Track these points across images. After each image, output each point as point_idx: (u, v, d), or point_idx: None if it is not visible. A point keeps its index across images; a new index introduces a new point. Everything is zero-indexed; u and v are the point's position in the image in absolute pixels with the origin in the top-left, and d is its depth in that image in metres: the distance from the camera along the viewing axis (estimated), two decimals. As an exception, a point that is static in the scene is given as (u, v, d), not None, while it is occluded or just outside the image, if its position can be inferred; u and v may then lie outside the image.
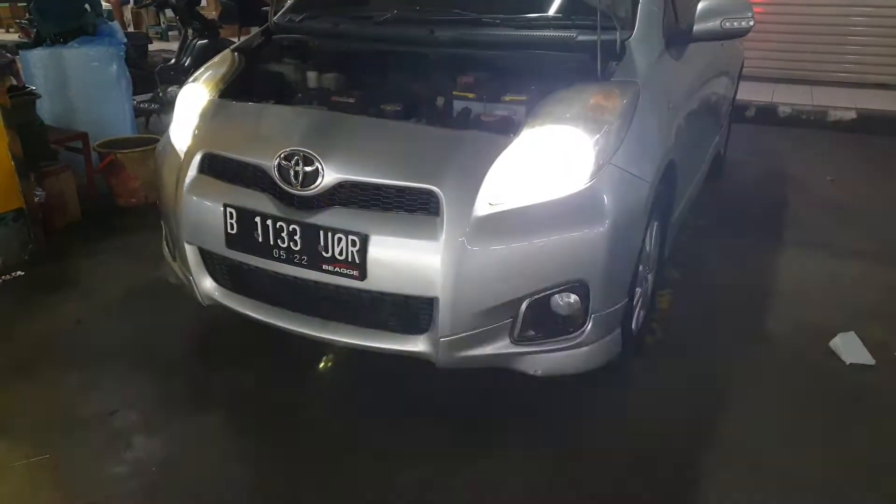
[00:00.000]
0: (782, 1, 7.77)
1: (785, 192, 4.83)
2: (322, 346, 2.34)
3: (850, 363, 2.73)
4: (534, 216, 2.13)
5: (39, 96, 4.05)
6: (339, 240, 2.15)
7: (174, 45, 8.63)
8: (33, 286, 3.33)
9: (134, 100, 5.69)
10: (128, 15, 13.95)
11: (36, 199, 3.64)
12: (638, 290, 2.59)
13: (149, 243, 3.32)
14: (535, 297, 2.17)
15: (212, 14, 10.12)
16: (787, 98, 6.92)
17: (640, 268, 2.55)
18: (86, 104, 4.69)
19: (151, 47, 9.54)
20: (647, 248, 2.63)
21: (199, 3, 7.02)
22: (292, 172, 2.22)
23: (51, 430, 2.34)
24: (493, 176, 2.14)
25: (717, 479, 2.16)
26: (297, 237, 2.22)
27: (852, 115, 6.45)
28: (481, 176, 2.14)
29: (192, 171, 2.48)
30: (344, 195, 2.21)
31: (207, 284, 2.56)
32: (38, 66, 4.62)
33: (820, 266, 3.65)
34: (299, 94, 2.78)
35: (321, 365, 2.67)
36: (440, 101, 2.56)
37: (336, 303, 2.31)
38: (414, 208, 2.16)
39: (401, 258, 2.13)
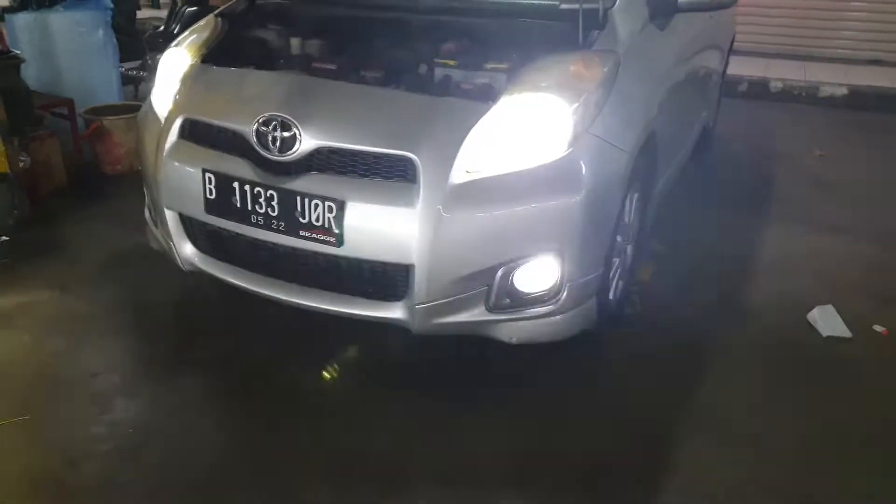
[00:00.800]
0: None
1: (773, 167, 4.83)
2: (303, 312, 2.34)
3: (827, 336, 2.75)
4: (510, 184, 2.14)
5: (24, 60, 4.01)
6: (316, 206, 2.16)
7: (165, 13, 8.53)
8: (18, 251, 3.32)
9: (122, 67, 5.65)
10: (121, -19, 13.82)
11: (21, 165, 3.64)
12: (616, 260, 2.61)
13: (134, 210, 3.29)
14: (511, 265, 2.19)
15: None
16: (781, 73, 6.89)
17: (619, 238, 2.56)
18: (72, 70, 4.65)
19: (143, 14, 9.46)
20: (627, 220, 2.64)
21: (189, -31, 6.94)
22: (270, 138, 2.22)
23: (32, 392, 2.37)
24: (470, 143, 2.14)
25: (686, 446, 2.19)
26: (274, 203, 2.23)
27: (844, 90, 6.44)
28: (458, 143, 2.14)
29: (173, 136, 2.48)
30: (321, 161, 2.21)
31: (188, 250, 2.57)
32: (23, 30, 4.58)
33: (803, 240, 3.67)
34: (281, 60, 2.76)
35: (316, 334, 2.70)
36: (421, 67, 2.55)
37: (313, 269, 2.32)
38: (391, 175, 2.16)
39: (377, 225, 2.14)
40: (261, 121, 2.23)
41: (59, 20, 4.56)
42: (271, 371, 2.49)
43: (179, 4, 6.78)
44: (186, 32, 2.92)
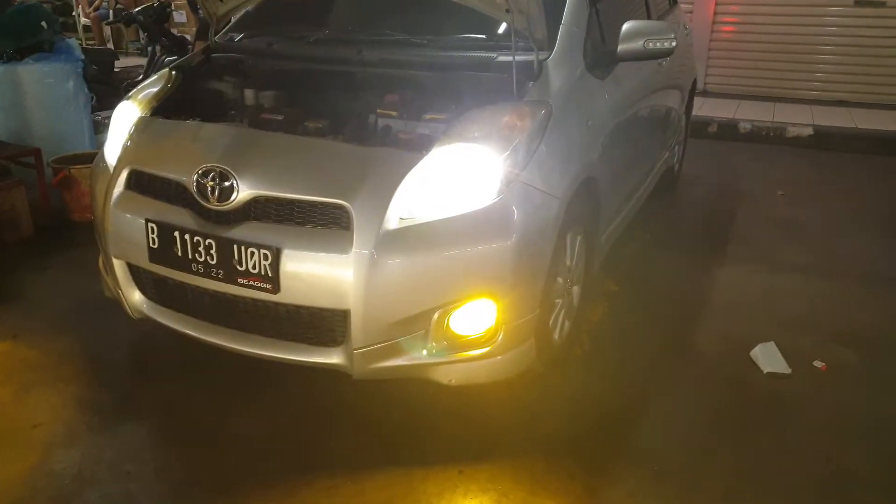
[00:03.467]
0: (751, 21, 7.96)
1: (735, 207, 4.91)
2: (250, 359, 2.37)
3: (768, 372, 2.80)
4: (443, 230, 2.19)
5: (-13, 112, 4.09)
6: (252, 254, 2.20)
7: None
8: (-25, 301, 3.36)
9: (99, 115, 5.75)
10: (108, 31, 14.05)
11: (-17, 215, 3.68)
12: (558, 301, 2.65)
13: (96, 259, 3.33)
14: (445, 308, 2.23)
15: (192, 30, 10.22)
16: (750, 115, 7.04)
17: (560, 280, 2.61)
18: (43, 120, 4.73)
19: (130, 62, 9.64)
20: (569, 262, 2.69)
21: (168, 20, 7.10)
22: (209, 188, 2.27)
23: (-31, 443, 2.37)
24: (403, 191, 2.20)
25: (622, 485, 2.21)
26: (213, 251, 2.27)
27: (809, 131, 6.57)
28: (392, 191, 2.20)
29: (120, 186, 2.54)
30: (258, 210, 2.26)
31: (136, 298, 2.61)
32: (-8, 83, 4.67)
33: (756, 279, 3.72)
34: (231, 112, 2.83)
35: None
36: (362, 118, 2.62)
37: (254, 316, 2.35)
38: (326, 223, 2.21)
39: (313, 271, 2.18)
40: (200, 172, 2.29)
41: (27, 72, 4.64)
42: (214, 418, 2.50)
43: (158, 54, 6.92)
44: (140, 86, 2.99)
